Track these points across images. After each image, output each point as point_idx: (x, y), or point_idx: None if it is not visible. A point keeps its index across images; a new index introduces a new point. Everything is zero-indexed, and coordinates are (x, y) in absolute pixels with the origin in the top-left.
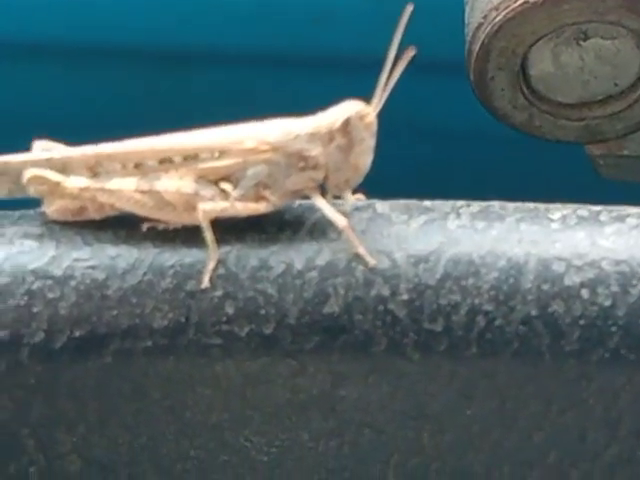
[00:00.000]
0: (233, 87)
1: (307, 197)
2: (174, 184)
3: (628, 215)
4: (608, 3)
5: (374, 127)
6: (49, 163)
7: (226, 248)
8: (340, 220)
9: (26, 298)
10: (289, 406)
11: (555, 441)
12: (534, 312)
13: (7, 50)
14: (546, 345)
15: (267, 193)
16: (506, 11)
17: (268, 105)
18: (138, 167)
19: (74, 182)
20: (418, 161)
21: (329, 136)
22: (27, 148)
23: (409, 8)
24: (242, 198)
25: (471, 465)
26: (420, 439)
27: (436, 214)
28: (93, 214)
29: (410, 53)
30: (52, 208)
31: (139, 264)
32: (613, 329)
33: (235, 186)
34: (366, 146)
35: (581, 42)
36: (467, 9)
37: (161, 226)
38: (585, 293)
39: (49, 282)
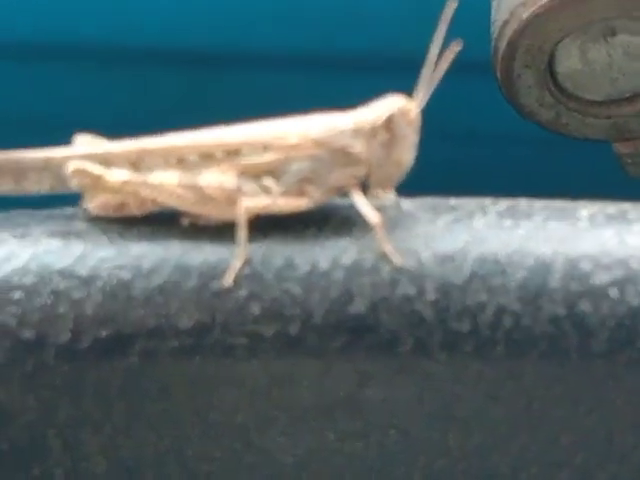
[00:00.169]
0: (267, 87)
1: (347, 194)
2: (216, 179)
3: None
4: None
5: (417, 123)
6: (91, 157)
7: (251, 247)
8: (374, 217)
9: (52, 298)
10: (315, 407)
11: (583, 443)
12: (561, 312)
13: (52, 49)
14: (574, 345)
15: (310, 189)
16: (533, 7)
17: (300, 106)
18: (180, 162)
19: (116, 175)
20: (444, 161)
21: (372, 132)
22: (69, 143)
23: (453, 3)
24: (284, 194)
25: (498, 467)
26: (446, 441)
27: (462, 212)
28: (134, 210)
29: (456, 47)
30: (93, 204)
31: (165, 264)
32: None
33: (277, 182)
34: (409, 142)
35: (609, 38)
36: (494, 6)
37: (201, 222)
38: (613, 292)
39: (75, 282)
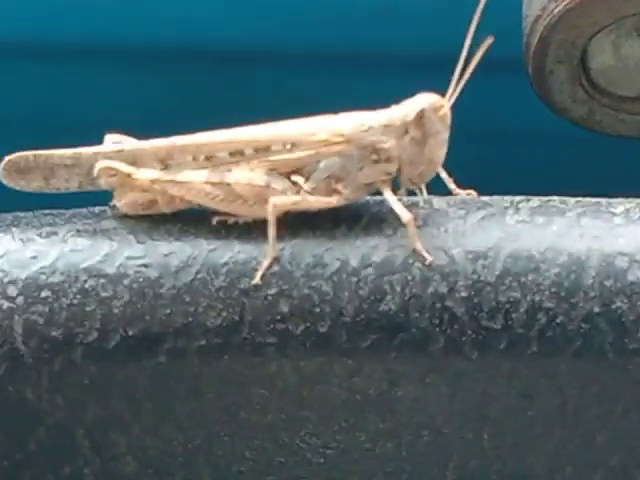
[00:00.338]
0: (299, 86)
1: (379, 192)
2: (245, 176)
3: None
4: None
5: (448, 119)
6: (120, 155)
7: (280, 245)
8: (405, 214)
9: (79, 297)
10: (346, 406)
11: (619, 442)
12: (597, 309)
13: (83, 50)
14: (609, 343)
15: (339, 186)
16: (565, 2)
17: (333, 105)
18: (209, 159)
19: (145, 174)
20: (476, 160)
21: (403, 128)
22: (100, 142)
23: (481, 3)
24: (314, 191)
25: (532, 467)
26: (480, 440)
27: (494, 209)
28: (163, 207)
29: (487, 43)
30: (122, 202)
31: (192, 262)
32: None
33: (307, 179)
34: (440, 139)
35: None
36: (525, 2)
37: (231, 220)
38: None
39: (102, 280)
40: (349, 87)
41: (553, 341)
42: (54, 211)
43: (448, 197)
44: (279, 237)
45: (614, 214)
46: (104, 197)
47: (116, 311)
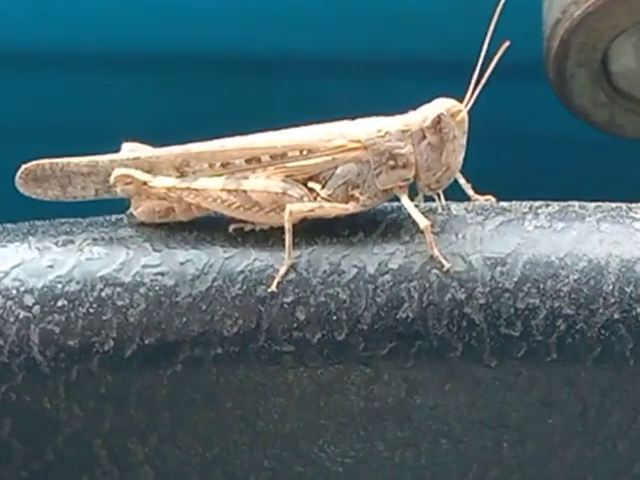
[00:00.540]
0: (316, 93)
1: (397, 198)
2: (261, 183)
3: None
4: None
5: (466, 125)
6: (136, 163)
7: (297, 252)
8: (422, 220)
9: (95, 306)
10: (364, 415)
11: None
12: (617, 315)
13: (101, 58)
14: (630, 350)
15: (356, 192)
16: (586, 5)
17: (351, 110)
18: (225, 166)
19: (160, 181)
20: (497, 165)
21: (420, 134)
22: (117, 150)
23: (500, 5)
24: (330, 198)
25: (553, 476)
26: (499, 449)
27: (513, 215)
28: (180, 215)
29: (504, 47)
30: (139, 209)
31: (208, 269)
32: None
33: (323, 186)
34: (458, 144)
35: None
36: (545, 5)
37: (248, 227)
38: None
39: (118, 289)
40: (366, 92)
41: (573, 348)
42: (71, 219)
43: (466, 203)
44: (295, 244)
45: (634, 219)
46: (122, 205)
47: (132, 320)
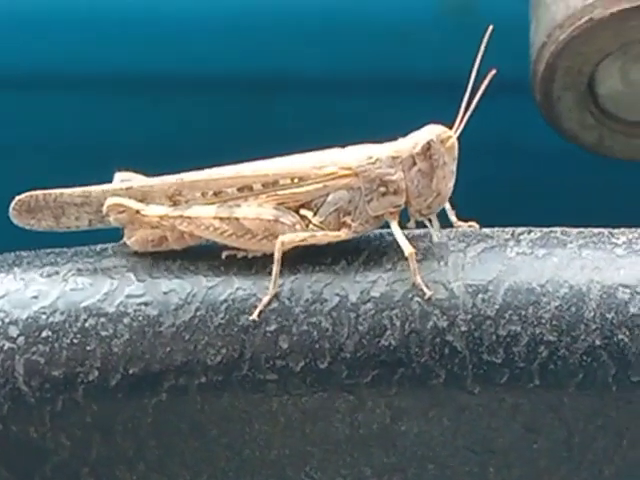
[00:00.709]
0: (314, 113)
1: (388, 224)
2: (254, 211)
3: None
4: None
5: (455, 151)
6: (129, 192)
7: (279, 281)
8: (407, 248)
9: (79, 336)
10: (349, 442)
11: (627, 475)
12: (598, 342)
13: (91, 83)
14: (612, 376)
15: (348, 219)
16: (571, 29)
17: (350, 131)
18: (217, 195)
19: (153, 210)
20: (491, 182)
21: (410, 160)
22: (110, 180)
23: (489, 30)
24: (322, 225)
25: None
26: (486, 474)
27: (495, 241)
28: (173, 244)
29: (491, 74)
30: (132, 239)
31: (192, 299)
32: None
33: (315, 213)
34: (448, 170)
35: None
36: (532, 28)
37: (240, 254)
38: None
39: (102, 319)
40: (366, 111)
41: (555, 375)
42: (56, 250)
43: (449, 229)
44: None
45: (616, 245)
46: (116, 234)
47: (116, 350)
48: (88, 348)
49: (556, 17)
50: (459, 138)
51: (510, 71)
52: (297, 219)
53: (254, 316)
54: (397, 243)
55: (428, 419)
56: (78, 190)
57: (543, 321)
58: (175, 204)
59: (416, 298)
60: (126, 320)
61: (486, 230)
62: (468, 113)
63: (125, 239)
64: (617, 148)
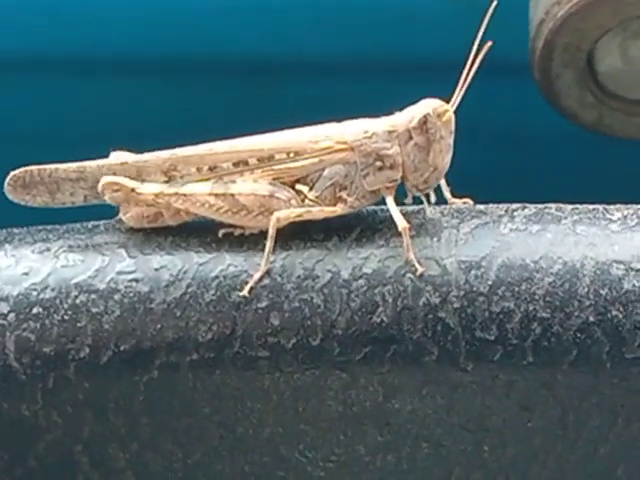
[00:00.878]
0: (315, 95)
1: (383, 200)
2: (249, 186)
3: None
4: None
5: (452, 125)
6: (124, 168)
7: (271, 257)
8: (402, 222)
9: (70, 313)
10: (342, 420)
11: (623, 454)
12: (592, 318)
13: (93, 64)
14: (606, 353)
15: (344, 194)
16: (569, 5)
17: (350, 112)
18: (213, 170)
19: (148, 188)
20: (486, 163)
21: (407, 134)
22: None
23: (493, 5)
24: (318, 200)
25: (537, 479)
26: (481, 453)
27: (488, 217)
28: (169, 220)
29: (486, 47)
30: (128, 215)
31: (183, 275)
32: None
33: (311, 188)
34: (445, 144)
35: None
36: (531, 6)
37: (237, 232)
38: None
39: (93, 296)
40: (369, 94)
41: (549, 352)
42: (48, 227)
43: (443, 206)
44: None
45: (611, 221)
46: (112, 210)
47: (107, 327)
48: (79, 325)
49: None
50: (456, 113)
51: (515, 51)
52: (293, 194)
53: (244, 292)
54: (391, 219)
55: (421, 397)
56: (73, 165)
57: (536, 297)
58: (170, 179)
59: (408, 274)
60: (117, 297)
61: (480, 206)
62: (465, 87)
63: (121, 215)
64: (617, 127)
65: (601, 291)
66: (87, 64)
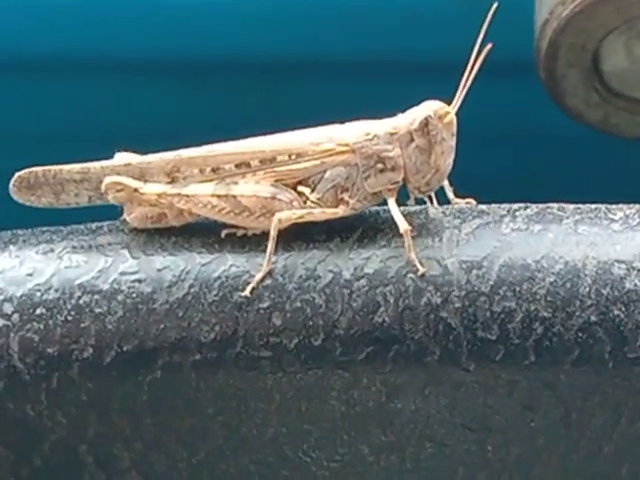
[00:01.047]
0: (318, 96)
1: (385, 201)
2: (251, 188)
3: None
4: None
5: (454, 127)
6: (128, 169)
7: (273, 258)
8: (403, 224)
9: (74, 313)
10: (346, 419)
11: (627, 453)
12: (594, 318)
13: (99, 66)
14: (608, 352)
15: (346, 196)
16: (573, 5)
17: (353, 113)
18: (215, 171)
19: (151, 188)
20: (496, 164)
21: (408, 136)
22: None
23: (493, 6)
24: (320, 201)
25: (541, 479)
26: (484, 453)
27: (490, 217)
28: (172, 221)
29: (486, 49)
30: (132, 215)
31: (185, 276)
32: None
33: (313, 189)
34: (446, 146)
35: None
36: (536, 6)
37: (240, 232)
38: None
39: (96, 297)
40: (373, 94)
41: (550, 351)
42: (52, 228)
43: (445, 206)
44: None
45: (613, 220)
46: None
47: (110, 327)
48: (82, 325)
49: None
50: (458, 114)
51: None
52: (294, 196)
53: (246, 292)
54: (392, 220)
55: (424, 396)
56: (77, 167)
57: (538, 297)
58: (173, 181)
59: (410, 274)
60: (120, 297)
61: (482, 206)
62: (465, 88)
63: (125, 215)
64: (623, 126)
65: (603, 291)
66: (93, 66)
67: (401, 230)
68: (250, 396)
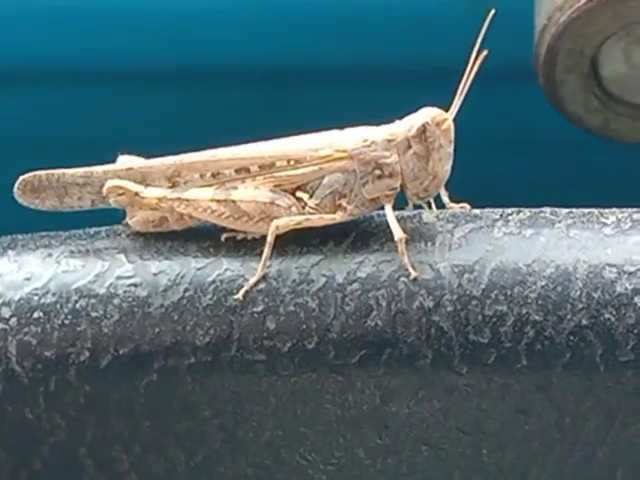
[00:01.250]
0: (317, 103)
1: (383, 207)
2: (250, 193)
3: None
4: None
5: (452, 133)
6: (129, 174)
7: (267, 262)
8: (398, 232)
9: (70, 317)
10: (341, 423)
11: (622, 456)
12: (585, 321)
13: (102, 73)
14: (599, 356)
15: (344, 202)
16: (570, 11)
17: (353, 119)
18: (215, 176)
19: (152, 192)
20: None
21: (406, 143)
22: (113, 162)
23: (491, 13)
24: (318, 207)
25: None
26: (480, 456)
27: (483, 222)
28: (173, 225)
29: (482, 55)
30: (134, 219)
31: (180, 280)
32: None
33: (311, 195)
34: (444, 153)
35: None
36: (535, 12)
37: (240, 236)
38: (639, 300)
39: (92, 300)
40: (373, 100)
41: (542, 355)
42: (51, 233)
43: (439, 210)
44: None
45: (604, 224)
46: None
47: (106, 330)
48: (79, 329)
49: None
50: (456, 121)
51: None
52: (293, 201)
53: (239, 295)
54: (386, 224)
55: (418, 400)
56: (80, 171)
57: (529, 301)
58: (174, 185)
59: (402, 278)
60: (116, 301)
61: (475, 211)
62: (463, 95)
63: (127, 219)
64: (623, 131)
65: (594, 294)
66: (97, 73)
67: (396, 238)
68: (246, 399)
